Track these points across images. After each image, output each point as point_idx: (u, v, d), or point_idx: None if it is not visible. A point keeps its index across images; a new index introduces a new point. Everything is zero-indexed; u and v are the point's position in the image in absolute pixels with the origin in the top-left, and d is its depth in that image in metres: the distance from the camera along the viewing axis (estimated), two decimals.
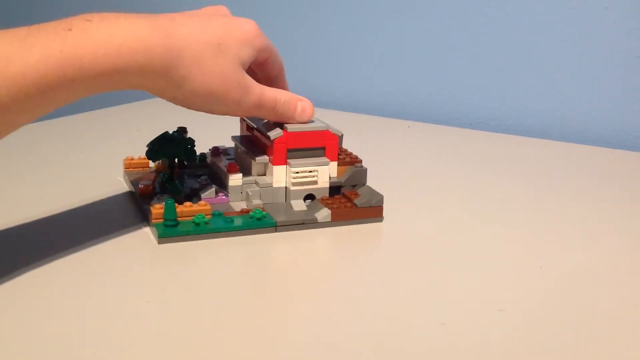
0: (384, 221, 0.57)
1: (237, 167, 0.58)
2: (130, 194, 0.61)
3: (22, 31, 0.43)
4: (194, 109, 0.53)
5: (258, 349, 0.38)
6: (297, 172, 0.56)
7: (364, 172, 0.59)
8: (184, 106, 0.52)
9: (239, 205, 0.57)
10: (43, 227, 0.54)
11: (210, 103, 0.52)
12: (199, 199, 0.56)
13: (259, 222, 0.53)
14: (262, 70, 0.58)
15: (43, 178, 0.65)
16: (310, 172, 0.57)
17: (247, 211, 0.55)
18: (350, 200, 0.57)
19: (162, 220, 0.52)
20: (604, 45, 0.84)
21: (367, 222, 0.56)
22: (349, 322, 0.41)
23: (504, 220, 0.58)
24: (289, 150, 0.56)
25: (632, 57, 0.83)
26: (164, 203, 0.52)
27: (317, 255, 0.52)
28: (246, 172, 0.58)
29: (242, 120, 0.62)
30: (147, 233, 0.53)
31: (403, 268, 0.49)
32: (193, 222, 0.52)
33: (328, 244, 0.54)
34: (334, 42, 1.02)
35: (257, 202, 0.56)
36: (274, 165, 0.56)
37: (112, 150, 0.75)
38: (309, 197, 0.57)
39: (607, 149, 0.82)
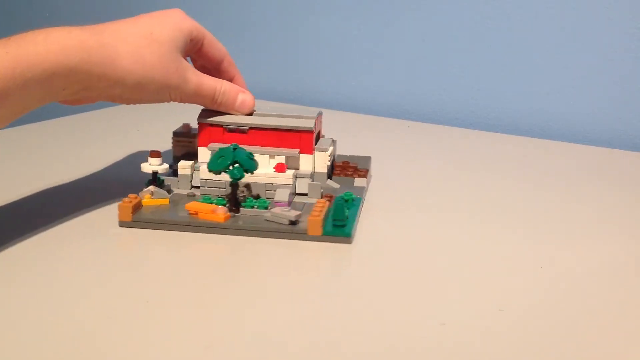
0: (384, 220, 0.57)
1: (286, 165, 0.58)
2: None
3: None
4: (137, 102, 0.54)
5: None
6: (329, 156, 0.59)
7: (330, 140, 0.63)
8: (129, 102, 0.53)
9: (306, 199, 0.57)
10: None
11: (153, 93, 0.53)
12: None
13: (354, 202, 0.56)
14: (203, 57, 0.59)
15: (43, 179, 0.65)
16: (331, 153, 0.60)
17: (330, 197, 0.57)
18: (353, 168, 0.62)
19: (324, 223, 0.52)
20: (604, 46, 0.84)
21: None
22: (348, 322, 0.41)
23: (503, 220, 0.58)
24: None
25: (632, 57, 0.83)
26: (303, 212, 0.53)
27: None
28: None
29: (211, 125, 0.59)
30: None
31: (402, 268, 0.49)
32: (339, 217, 0.52)
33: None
34: (334, 42, 1.02)
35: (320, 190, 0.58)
36: (310, 154, 0.58)
37: (112, 151, 0.75)
38: (328, 176, 0.60)
39: (607, 149, 0.81)
